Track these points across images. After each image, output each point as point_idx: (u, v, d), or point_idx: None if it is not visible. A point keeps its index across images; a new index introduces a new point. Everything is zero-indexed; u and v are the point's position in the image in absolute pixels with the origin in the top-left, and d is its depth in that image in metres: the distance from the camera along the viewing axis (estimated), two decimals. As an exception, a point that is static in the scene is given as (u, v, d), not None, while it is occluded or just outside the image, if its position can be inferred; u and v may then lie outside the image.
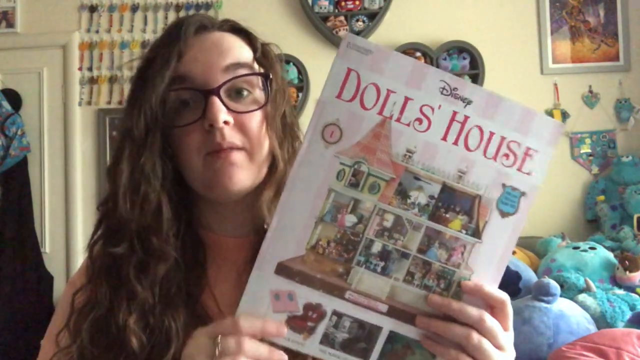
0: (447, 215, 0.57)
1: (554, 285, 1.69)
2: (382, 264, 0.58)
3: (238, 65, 0.69)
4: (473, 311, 0.58)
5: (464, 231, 0.58)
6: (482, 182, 0.58)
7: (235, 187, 0.68)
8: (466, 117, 0.57)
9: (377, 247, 0.57)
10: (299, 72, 2.95)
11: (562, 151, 2.91)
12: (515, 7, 2.95)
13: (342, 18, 2.94)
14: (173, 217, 0.69)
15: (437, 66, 2.89)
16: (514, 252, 2.30)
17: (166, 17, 3.07)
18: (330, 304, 0.58)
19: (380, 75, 0.56)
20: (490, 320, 0.58)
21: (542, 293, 1.68)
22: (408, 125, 0.56)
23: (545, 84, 2.93)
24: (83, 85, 3.07)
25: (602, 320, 1.74)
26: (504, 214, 0.58)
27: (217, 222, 0.75)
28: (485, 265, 0.59)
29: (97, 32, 3.09)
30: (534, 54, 2.95)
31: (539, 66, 2.94)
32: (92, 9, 3.09)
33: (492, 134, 0.57)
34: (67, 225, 3.04)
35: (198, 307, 0.69)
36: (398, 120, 0.56)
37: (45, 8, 3.10)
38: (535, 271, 2.18)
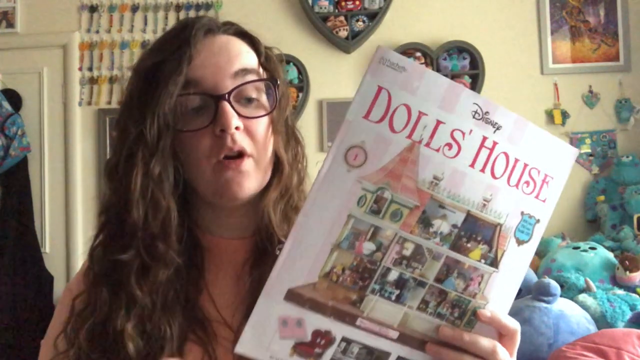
0: (469, 245, 0.55)
1: (554, 285, 1.69)
2: (397, 292, 0.55)
3: (246, 71, 0.69)
4: (486, 343, 0.57)
5: (483, 261, 0.56)
6: (504, 210, 0.56)
7: (245, 194, 0.69)
8: (495, 143, 0.55)
9: (393, 276, 0.55)
10: (299, 72, 2.95)
11: (562, 151, 2.91)
12: (515, 7, 2.95)
13: (342, 18, 2.94)
14: (178, 223, 0.69)
15: (437, 66, 2.90)
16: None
17: (166, 17, 3.07)
18: (340, 330, 0.56)
19: (412, 96, 0.52)
20: (502, 352, 0.57)
21: (542, 293, 1.68)
22: (438, 150, 0.53)
23: (545, 84, 2.93)
24: (83, 85, 3.07)
25: (602, 320, 1.74)
26: (519, 242, 0.57)
27: (216, 224, 0.75)
28: (499, 294, 0.57)
29: (97, 32, 3.09)
30: (534, 54, 2.95)
31: (539, 66, 2.94)
32: (92, 9, 3.09)
33: (516, 160, 0.56)
34: (67, 225, 3.04)
35: (196, 310, 0.68)
36: (428, 145, 0.53)
37: (45, 8, 3.10)
38: (536, 271, 2.18)
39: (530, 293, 1.74)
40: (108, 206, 0.70)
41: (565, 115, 2.91)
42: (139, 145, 0.66)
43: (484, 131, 0.54)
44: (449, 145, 0.53)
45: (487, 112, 0.54)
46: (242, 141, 0.67)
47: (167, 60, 0.67)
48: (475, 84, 2.87)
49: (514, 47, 2.93)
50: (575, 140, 2.90)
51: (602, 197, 2.78)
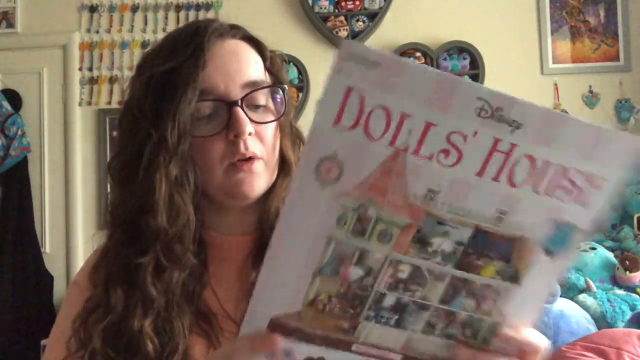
0: (479, 262, 0.47)
1: (555, 285, 1.69)
2: (395, 317, 0.49)
3: (256, 83, 0.71)
4: None
5: (498, 277, 0.48)
6: (528, 221, 0.46)
7: (255, 194, 0.71)
8: (513, 146, 0.44)
9: (389, 301, 0.48)
10: (299, 72, 2.95)
11: (562, 151, 2.91)
12: (515, 7, 2.95)
13: (342, 18, 2.94)
14: (195, 226, 0.70)
15: (437, 66, 2.90)
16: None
17: (166, 17, 3.07)
18: (334, 356, 0.50)
19: (391, 94, 0.42)
20: None
21: (542, 293, 1.68)
22: (430, 158, 0.44)
23: (545, 84, 2.93)
24: (83, 85, 3.07)
25: (602, 320, 1.74)
26: (550, 253, 0.47)
27: (220, 222, 0.76)
28: (521, 309, 0.49)
29: (97, 32, 3.09)
30: (534, 54, 2.95)
31: (539, 66, 2.94)
32: (92, 9, 3.09)
33: (548, 163, 0.45)
34: (67, 225, 3.04)
35: (201, 305, 0.70)
36: (416, 152, 0.43)
37: (45, 8, 3.10)
38: (536, 271, 2.18)
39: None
40: (125, 209, 0.70)
41: (565, 115, 2.90)
42: (160, 150, 0.67)
43: (496, 131, 0.43)
44: (445, 152, 0.44)
45: (498, 109, 0.43)
46: (253, 146, 0.70)
47: (183, 65, 0.68)
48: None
49: (514, 47, 2.93)
50: (575, 140, 2.90)
51: (602, 197, 2.77)
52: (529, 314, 0.50)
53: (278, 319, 0.48)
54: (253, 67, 0.72)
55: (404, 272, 0.47)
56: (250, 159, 0.69)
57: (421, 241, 0.46)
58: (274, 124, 0.73)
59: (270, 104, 0.73)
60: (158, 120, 0.67)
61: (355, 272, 0.47)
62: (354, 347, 0.49)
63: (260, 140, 0.71)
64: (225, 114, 0.68)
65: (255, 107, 0.71)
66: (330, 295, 0.48)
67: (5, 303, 2.76)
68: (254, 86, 0.71)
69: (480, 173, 0.45)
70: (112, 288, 0.68)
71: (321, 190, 0.44)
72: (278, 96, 0.74)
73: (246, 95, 0.69)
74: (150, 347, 0.64)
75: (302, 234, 0.46)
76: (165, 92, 0.68)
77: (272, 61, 0.76)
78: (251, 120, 0.69)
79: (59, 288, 2.92)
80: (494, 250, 0.47)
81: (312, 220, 0.45)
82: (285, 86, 0.75)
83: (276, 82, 0.75)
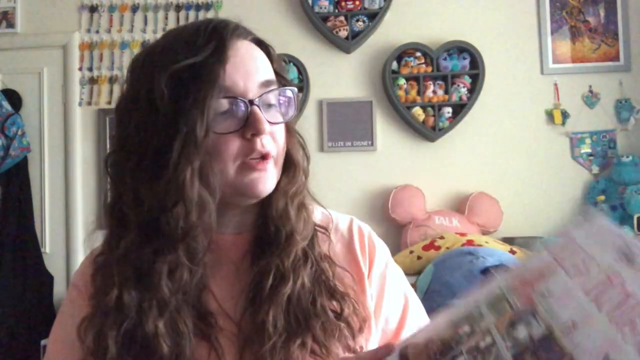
0: None
1: None
2: None
3: (269, 82, 0.73)
4: None
5: None
6: (584, 344, 0.49)
7: (267, 192, 0.73)
8: (622, 279, 0.51)
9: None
10: (299, 72, 2.95)
11: (562, 151, 2.91)
12: (515, 7, 2.95)
13: (342, 18, 2.94)
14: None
15: (437, 66, 2.90)
16: (514, 252, 2.30)
17: (166, 17, 3.07)
18: None
19: (587, 248, 0.56)
20: None
21: (542, 293, 1.68)
22: (566, 270, 0.55)
23: (545, 84, 2.93)
24: (83, 85, 3.07)
25: (602, 320, 1.74)
26: None
27: (218, 221, 0.76)
28: None
29: (97, 32, 3.09)
30: (534, 54, 2.95)
31: (539, 66, 2.94)
32: (92, 9, 3.09)
33: (634, 299, 0.50)
34: (67, 225, 3.04)
35: (199, 306, 0.70)
36: (562, 264, 0.56)
37: (45, 8, 3.10)
38: (536, 271, 2.18)
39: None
40: (142, 208, 0.68)
41: (565, 115, 2.91)
42: (189, 145, 0.66)
43: (618, 265, 0.52)
44: (579, 270, 0.54)
45: (631, 254, 0.52)
46: (268, 144, 0.71)
47: (207, 61, 0.68)
48: (475, 84, 2.87)
49: (514, 47, 2.93)
50: (575, 140, 2.90)
51: (602, 197, 2.78)
52: None
53: (407, 346, 0.61)
54: (266, 68, 0.74)
55: (485, 343, 0.55)
56: (264, 158, 0.71)
57: (512, 325, 0.54)
58: (283, 125, 0.75)
59: (279, 105, 0.74)
60: (183, 115, 0.66)
61: (465, 329, 0.57)
62: None
63: (273, 139, 0.72)
64: (244, 112, 0.69)
65: (269, 107, 0.72)
66: (439, 338, 0.58)
67: (5, 303, 2.75)
68: (268, 86, 0.72)
69: (584, 289, 0.52)
70: (126, 291, 0.66)
71: (495, 276, 0.59)
72: (284, 97, 0.75)
73: (263, 94, 0.71)
74: (165, 348, 0.64)
75: (467, 301, 0.60)
76: (189, 86, 0.67)
77: (279, 64, 0.78)
78: (267, 120, 0.70)
79: (59, 288, 2.92)
80: (546, 356, 0.51)
81: (477, 294, 0.59)
82: (295, 89, 0.76)
83: (284, 84, 0.76)
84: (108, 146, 3.02)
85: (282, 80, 0.77)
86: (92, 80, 3.07)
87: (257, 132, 0.69)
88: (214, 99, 0.67)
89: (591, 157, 2.89)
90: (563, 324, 0.51)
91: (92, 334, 0.67)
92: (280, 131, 0.74)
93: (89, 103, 3.06)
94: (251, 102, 0.69)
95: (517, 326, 0.54)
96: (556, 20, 2.95)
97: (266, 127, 0.69)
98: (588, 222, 0.58)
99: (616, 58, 2.92)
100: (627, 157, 2.78)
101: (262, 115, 0.69)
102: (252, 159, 0.70)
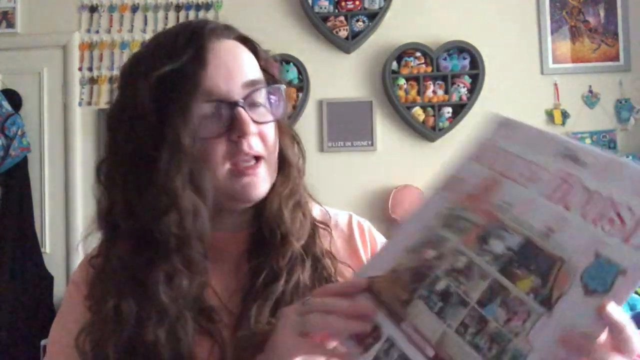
0: (518, 272, 0.51)
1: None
2: (440, 304, 0.54)
3: (254, 82, 0.71)
4: None
5: (532, 295, 0.50)
6: (570, 244, 0.50)
7: (261, 196, 0.72)
8: (575, 178, 0.54)
9: (441, 285, 0.55)
10: (299, 72, 2.95)
11: (562, 151, 2.91)
12: (515, 7, 2.95)
13: (342, 18, 2.94)
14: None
15: (437, 66, 2.90)
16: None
17: (166, 17, 3.07)
18: (387, 328, 0.57)
19: (509, 141, 0.60)
20: None
21: (542, 293, 1.68)
22: (516, 181, 0.57)
23: (545, 84, 2.93)
24: (83, 86, 3.07)
25: (602, 320, 1.74)
26: (588, 291, 0.47)
27: (215, 222, 0.75)
28: (549, 344, 0.47)
29: (97, 32, 3.08)
30: (534, 54, 2.95)
31: (539, 66, 2.94)
32: (92, 9, 3.09)
33: (598, 194, 0.51)
34: (67, 225, 3.04)
35: (200, 303, 0.70)
36: (507, 176, 0.58)
37: (45, 8, 3.09)
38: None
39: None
40: (134, 216, 0.68)
41: (565, 115, 2.91)
42: (176, 152, 0.66)
43: (567, 167, 0.55)
44: (526, 178, 0.56)
45: (574, 153, 0.55)
46: (256, 146, 0.70)
47: (186, 66, 0.67)
48: (475, 84, 2.87)
49: (514, 47, 2.93)
50: (575, 140, 2.90)
51: (602, 197, 2.77)
52: (558, 355, 0.47)
53: (372, 277, 0.60)
54: (250, 67, 0.72)
55: (461, 262, 0.55)
56: (256, 161, 0.70)
57: (483, 239, 0.55)
58: (273, 123, 0.73)
59: (267, 104, 0.73)
60: (167, 122, 0.66)
61: (430, 253, 0.58)
62: (403, 325, 0.56)
63: (262, 140, 0.71)
64: (228, 114, 0.68)
65: (255, 106, 0.71)
66: (406, 267, 0.58)
67: (5, 303, 2.75)
68: (253, 85, 0.71)
69: (544, 193, 0.54)
70: (124, 301, 0.66)
71: (438, 196, 0.62)
72: (274, 95, 0.73)
73: (248, 95, 0.70)
74: (166, 357, 0.64)
75: (414, 224, 0.62)
76: (171, 93, 0.67)
77: (267, 60, 0.76)
78: (253, 120, 0.69)
79: (59, 288, 2.91)
80: (534, 264, 0.51)
81: (423, 216, 0.61)
82: (283, 85, 0.75)
83: (272, 81, 0.75)
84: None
85: (270, 77, 0.75)
86: (92, 80, 3.07)
87: (242, 134, 0.68)
88: (197, 103, 0.66)
89: None
90: (539, 230, 0.52)
91: (90, 344, 0.66)
92: (269, 130, 0.72)
93: (89, 103, 3.06)
94: (235, 103, 0.68)
95: (488, 241, 0.55)
96: (556, 20, 2.95)
97: (251, 128, 0.68)
98: (508, 130, 0.61)
99: (616, 58, 2.92)
100: (627, 157, 2.78)
101: (247, 116, 0.68)
102: (242, 163, 0.69)
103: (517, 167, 0.58)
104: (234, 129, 0.68)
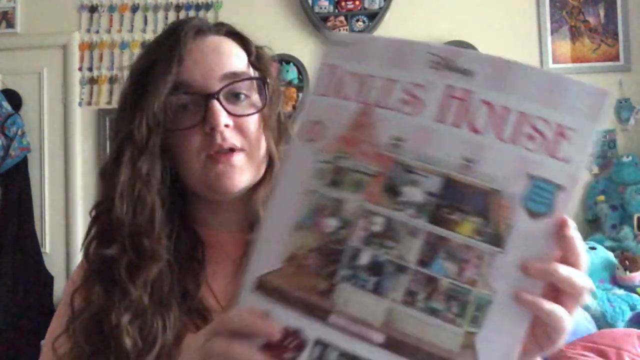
0: (454, 217, 0.45)
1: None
2: (373, 279, 0.46)
3: (235, 74, 0.72)
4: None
5: (477, 237, 0.45)
6: (498, 172, 0.45)
7: (236, 188, 0.71)
8: (468, 92, 0.46)
9: (365, 258, 0.46)
10: (299, 72, 2.95)
11: (562, 151, 2.91)
12: (515, 7, 2.95)
13: (342, 18, 2.94)
14: (166, 219, 0.71)
15: (437, 66, 2.89)
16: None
17: (166, 17, 3.07)
18: (312, 329, 0.46)
19: (360, 63, 0.50)
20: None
21: (542, 293, 1.68)
22: (394, 109, 0.48)
23: (545, 84, 2.93)
24: (83, 86, 3.07)
25: (602, 320, 1.74)
26: (534, 214, 0.45)
27: (213, 218, 0.77)
28: (512, 281, 0.44)
29: (97, 32, 3.08)
30: (534, 54, 2.94)
31: (539, 66, 2.94)
32: (92, 9, 3.09)
33: (506, 109, 0.45)
34: (67, 225, 3.04)
35: (196, 303, 0.70)
36: (381, 105, 0.48)
37: (45, 8, 3.09)
38: (536, 271, 2.18)
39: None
40: (98, 203, 0.72)
41: (565, 115, 2.90)
42: (127, 144, 0.68)
43: (448, 80, 0.46)
44: (407, 102, 0.47)
45: (447, 60, 0.46)
46: (232, 138, 0.70)
47: (158, 61, 0.69)
48: (475, 84, 2.87)
49: (514, 47, 2.92)
50: (575, 140, 2.90)
51: (602, 197, 2.77)
52: (525, 289, 0.44)
53: (263, 277, 0.48)
54: (234, 60, 0.73)
55: (378, 224, 0.46)
56: (230, 151, 0.70)
57: (391, 190, 0.47)
58: (256, 117, 0.73)
59: (255, 98, 0.73)
60: (130, 116, 0.69)
61: (330, 223, 0.47)
62: (331, 319, 0.46)
63: (240, 132, 0.71)
64: (202, 106, 0.69)
65: (237, 99, 0.71)
66: (309, 249, 0.47)
67: (5, 303, 2.76)
68: (234, 77, 0.71)
69: (441, 119, 0.46)
70: (92, 283, 0.69)
71: (305, 148, 0.50)
72: (258, 88, 0.74)
73: (224, 87, 0.70)
74: (128, 342, 0.64)
75: (290, 190, 0.50)
76: (140, 88, 0.69)
77: (258, 56, 0.76)
78: (229, 112, 0.69)
79: (59, 288, 2.91)
80: (468, 204, 0.45)
81: (298, 176, 0.50)
82: (268, 79, 0.75)
83: (263, 75, 0.75)
84: (108, 146, 3.02)
85: (260, 73, 0.75)
86: (92, 80, 3.07)
87: (214, 126, 0.68)
88: (158, 96, 0.68)
89: (591, 157, 2.89)
90: (455, 164, 0.46)
91: (70, 327, 0.68)
92: (250, 123, 0.72)
93: (89, 103, 3.06)
94: (209, 95, 0.69)
95: (399, 190, 0.46)
96: (556, 20, 2.95)
97: (222, 120, 0.68)
98: (354, 49, 0.51)
99: (616, 58, 2.92)
100: (627, 157, 2.78)
101: (219, 108, 0.68)
102: (216, 153, 0.69)
103: (389, 92, 0.48)
104: (206, 121, 0.68)
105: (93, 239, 0.72)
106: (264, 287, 0.48)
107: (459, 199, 0.46)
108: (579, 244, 0.46)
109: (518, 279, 0.45)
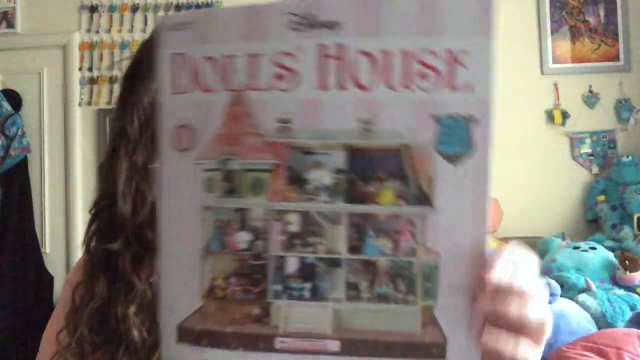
0: (370, 188, 0.41)
1: (555, 285, 1.69)
2: (308, 285, 0.41)
3: None
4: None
5: (402, 202, 0.41)
6: (401, 125, 0.40)
7: None
8: (341, 46, 0.41)
9: (292, 265, 0.41)
10: (299, 72, 2.95)
11: (562, 151, 2.91)
12: (515, 7, 2.95)
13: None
14: None
15: (437, 66, 2.89)
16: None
17: (166, 17, 3.07)
18: None
19: (210, 44, 0.43)
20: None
21: (542, 293, 1.68)
22: (268, 89, 0.41)
23: (545, 84, 2.93)
24: (83, 86, 3.07)
25: (602, 320, 1.74)
26: (453, 158, 0.40)
27: None
28: (454, 239, 0.40)
29: (97, 32, 3.08)
30: (534, 54, 2.94)
31: (539, 66, 2.94)
32: (92, 9, 3.09)
33: (386, 53, 0.40)
34: (67, 225, 3.04)
35: None
36: (253, 87, 0.41)
37: (45, 8, 3.09)
38: (536, 271, 2.18)
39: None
40: (98, 199, 0.73)
41: (565, 115, 2.90)
42: (122, 140, 0.69)
43: (317, 39, 0.41)
44: (279, 76, 0.41)
45: (308, 16, 0.40)
46: None
47: (146, 57, 0.70)
48: (475, 84, 2.87)
49: (514, 47, 2.93)
50: (575, 140, 2.90)
51: (602, 197, 2.77)
52: (469, 244, 0.40)
53: (183, 325, 0.42)
54: None
55: (293, 223, 0.41)
56: None
57: (296, 180, 0.41)
58: None
59: None
60: (123, 113, 0.70)
61: (242, 239, 0.42)
62: (277, 344, 0.41)
63: None
64: None
65: None
66: (226, 276, 0.42)
67: (5, 303, 2.75)
68: None
69: (322, 86, 0.41)
70: (96, 277, 0.69)
71: (182, 160, 0.43)
72: None
73: None
74: (135, 334, 0.65)
75: (180, 216, 0.43)
76: (130, 85, 0.71)
77: None
78: None
79: (59, 288, 2.91)
80: (381, 169, 0.41)
81: (184, 195, 0.43)
82: None
83: None
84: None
85: None
86: (92, 80, 3.07)
87: None
88: (148, 91, 0.69)
89: (591, 157, 2.89)
90: (354, 131, 0.41)
91: (71, 320, 0.69)
92: None
93: (89, 103, 3.06)
94: None
95: (305, 177, 0.41)
96: (556, 20, 2.95)
97: None
98: (196, 29, 0.43)
99: (616, 58, 2.92)
100: (627, 157, 2.78)
101: None
102: None
103: (257, 71, 0.41)
104: None
105: (94, 234, 0.72)
106: (188, 334, 0.42)
107: (370, 167, 0.41)
108: (516, 270, 0.41)
109: (455, 234, 0.40)
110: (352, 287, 0.41)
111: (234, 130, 0.42)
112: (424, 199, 0.41)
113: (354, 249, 0.41)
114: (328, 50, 0.41)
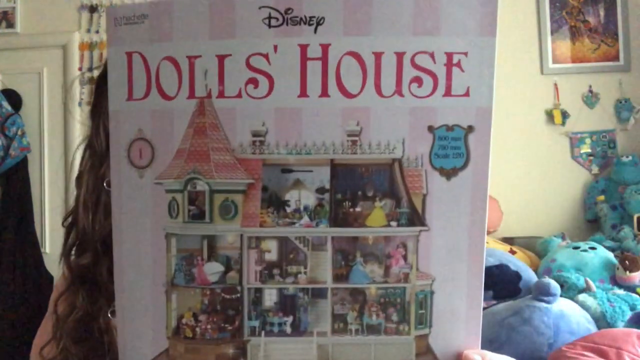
0: (358, 209, 0.36)
1: (554, 285, 1.69)
2: (289, 319, 0.36)
3: None
4: None
5: (393, 223, 0.36)
6: (392, 137, 0.36)
7: None
8: (325, 47, 0.35)
9: (270, 298, 0.36)
10: (299, 72, 2.95)
11: (562, 151, 2.91)
12: (515, 7, 2.95)
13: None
14: None
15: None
16: (514, 252, 2.30)
17: (166, 17, 3.07)
18: None
19: (169, 42, 0.36)
20: None
21: (542, 293, 1.68)
22: (239, 95, 0.35)
23: (545, 84, 2.93)
24: (83, 86, 3.06)
25: (602, 320, 1.74)
26: (449, 172, 0.36)
27: None
28: (449, 258, 0.36)
29: (97, 32, 3.08)
30: (534, 54, 2.94)
31: (539, 66, 2.94)
32: (92, 9, 3.09)
33: (378, 55, 0.35)
34: (67, 225, 3.04)
35: None
36: (221, 94, 0.35)
37: (45, 8, 3.09)
38: (536, 271, 2.18)
39: (530, 293, 1.74)
40: (68, 212, 0.73)
41: (565, 115, 2.90)
42: (89, 154, 0.70)
43: (297, 37, 0.35)
44: (253, 82, 0.35)
45: (288, 10, 0.34)
46: None
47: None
48: (475, 84, 2.87)
49: (514, 47, 2.93)
50: (575, 140, 2.90)
51: (602, 197, 2.78)
52: (465, 263, 0.36)
53: None
54: None
55: (270, 251, 0.36)
56: None
57: (273, 202, 0.35)
58: None
59: None
60: (91, 123, 0.70)
61: (212, 270, 0.36)
62: None
63: None
64: None
65: None
66: (195, 313, 0.36)
67: (6, 303, 2.75)
68: None
69: (303, 92, 0.35)
70: (75, 289, 0.69)
71: (140, 178, 0.36)
72: None
73: None
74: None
75: (137, 241, 0.36)
76: (98, 98, 0.70)
77: None
78: None
79: (59, 288, 2.92)
80: (370, 187, 0.36)
81: (143, 220, 0.36)
82: None
83: None
84: (108, 146, 3.03)
85: None
86: (92, 80, 3.07)
87: None
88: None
89: (591, 157, 2.89)
90: (338, 144, 0.35)
91: (57, 334, 0.68)
92: None
93: (89, 103, 3.05)
94: None
95: (282, 199, 0.35)
96: (556, 20, 2.95)
97: None
98: (148, 23, 0.37)
99: (616, 58, 2.92)
100: (627, 157, 2.78)
101: None
102: None
103: (228, 75, 0.35)
104: None
105: (70, 248, 0.72)
106: None
107: (358, 185, 0.36)
108: None
109: (451, 254, 0.36)
110: (339, 319, 0.37)
111: (200, 145, 0.35)
112: (416, 218, 0.37)
113: (340, 277, 0.36)
114: (310, 50, 0.35)
